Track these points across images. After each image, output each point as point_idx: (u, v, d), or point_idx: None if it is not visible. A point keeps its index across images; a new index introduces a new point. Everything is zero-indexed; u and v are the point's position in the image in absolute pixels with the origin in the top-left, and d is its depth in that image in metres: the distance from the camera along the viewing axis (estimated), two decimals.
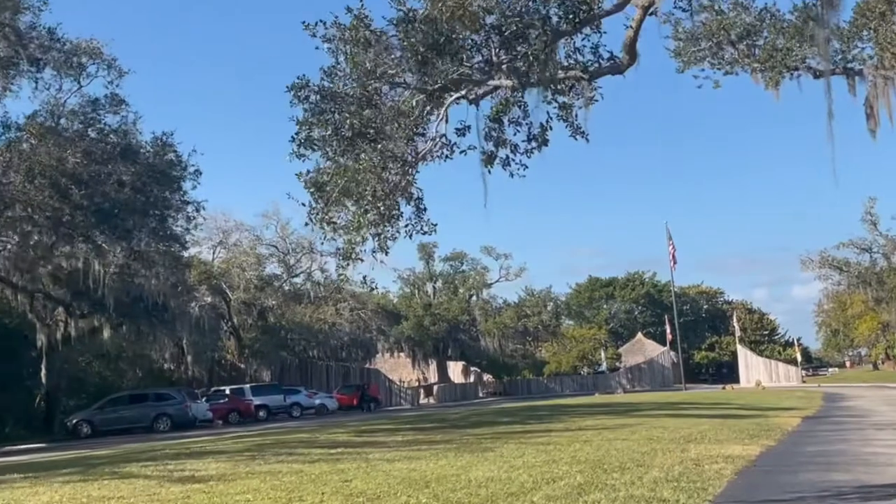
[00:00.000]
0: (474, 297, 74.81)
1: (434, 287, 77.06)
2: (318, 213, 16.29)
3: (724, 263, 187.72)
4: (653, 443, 18.33)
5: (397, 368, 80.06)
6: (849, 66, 21.69)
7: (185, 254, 45.23)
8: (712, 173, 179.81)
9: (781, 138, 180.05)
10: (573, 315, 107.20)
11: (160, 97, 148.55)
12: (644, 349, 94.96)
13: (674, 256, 68.42)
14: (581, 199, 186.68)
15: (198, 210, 37.53)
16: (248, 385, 51.57)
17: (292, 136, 15.95)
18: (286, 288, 63.67)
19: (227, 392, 50.04)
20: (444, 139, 14.96)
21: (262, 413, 49.73)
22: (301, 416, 52.19)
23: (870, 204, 64.85)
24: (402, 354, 77.44)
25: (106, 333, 38.89)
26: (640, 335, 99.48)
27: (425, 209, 15.82)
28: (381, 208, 14.27)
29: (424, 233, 16.55)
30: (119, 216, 31.25)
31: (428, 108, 14.14)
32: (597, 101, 15.45)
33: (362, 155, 14.05)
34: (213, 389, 51.04)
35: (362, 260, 16.84)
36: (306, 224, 17.15)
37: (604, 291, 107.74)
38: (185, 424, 41.38)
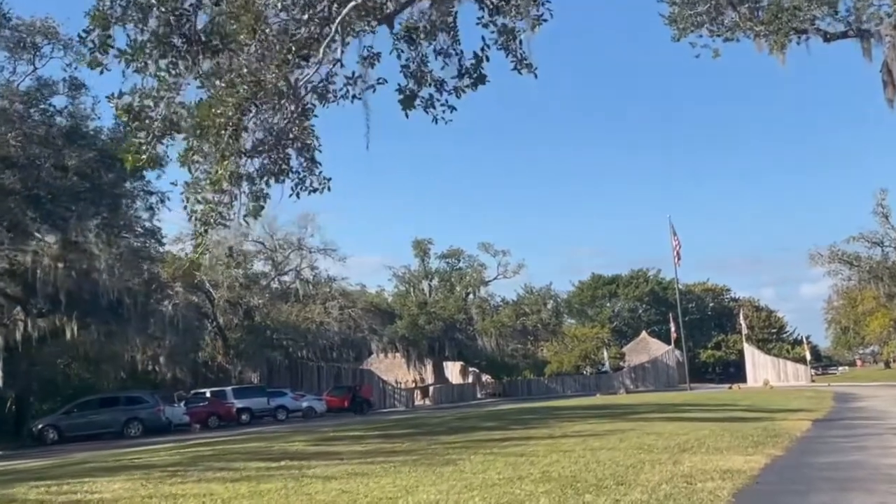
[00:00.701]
0: (471, 296, 72.39)
1: (430, 285, 74.71)
2: (137, 150, 13.03)
3: (731, 263, 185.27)
4: (642, 453, 16.01)
5: (393, 369, 77.79)
6: (863, 26, 19.30)
7: (161, 249, 42.94)
8: (716, 172, 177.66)
9: (784, 136, 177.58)
10: (575, 314, 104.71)
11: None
12: (648, 348, 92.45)
13: (678, 252, 65.93)
14: (583, 199, 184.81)
15: (162, 201, 35.24)
16: (230, 387, 49.27)
17: (81, 33, 12.47)
18: (274, 286, 61.52)
19: (208, 395, 47.80)
20: (339, 66, 12.00)
21: (244, 416, 47.49)
22: (287, 420, 50.01)
23: (881, 196, 62.39)
24: (397, 355, 75.11)
25: (68, 333, 36.50)
26: (644, 334, 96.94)
27: (319, 163, 12.80)
28: (265, 160, 11.57)
29: (314, 190, 13.47)
30: (57, 203, 28.89)
31: (312, 19, 11.17)
32: (545, 20, 12.47)
33: (216, 80, 11.26)
34: (192, 392, 48.79)
35: (226, 226, 13.81)
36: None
37: (607, 289, 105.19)
38: (159, 429, 39.24)
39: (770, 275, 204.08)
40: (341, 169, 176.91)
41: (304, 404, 53.17)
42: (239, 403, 47.63)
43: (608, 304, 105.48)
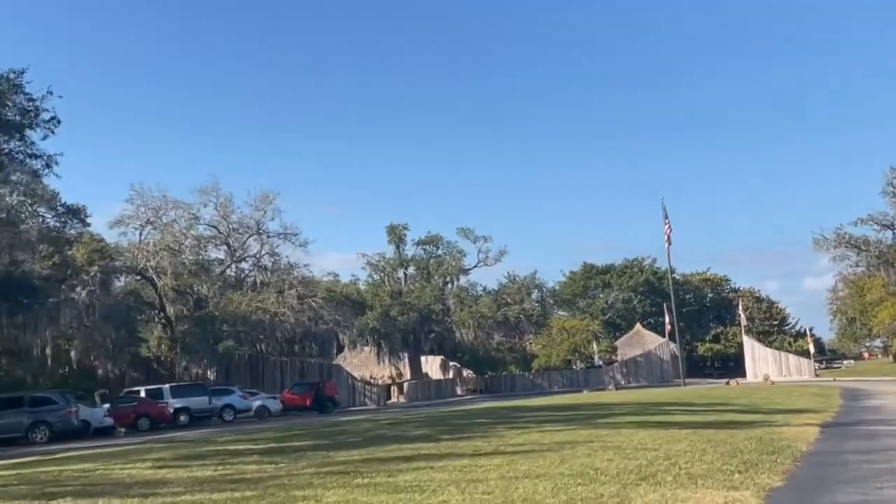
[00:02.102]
0: (449, 285, 67.21)
1: (405, 274, 69.57)
2: None
3: (733, 257, 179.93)
4: (579, 484, 11.09)
5: (368, 364, 72.71)
6: None
7: (84, 229, 37.93)
8: (719, 165, 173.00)
9: (787, 129, 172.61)
10: (566, 305, 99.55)
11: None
12: (643, 341, 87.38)
13: (669, 236, 60.81)
14: (584, 190, 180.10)
15: (49, 165, 30.21)
16: (167, 385, 44.22)
17: None
18: (230, 273, 56.56)
19: (142, 394, 42.84)
20: None
21: (182, 418, 42.51)
22: (235, 421, 45.08)
23: (891, 174, 57.14)
24: (373, 349, 69.91)
25: None
26: (638, 326, 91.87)
27: None
28: None
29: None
30: None
31: None
32: None
33: None
34: (125, 390, 43.84)
35: None
36: None
37: (600, 279, 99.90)
38: (71, 433, 34.34)
39: (773, 268, 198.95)
40: (337, 169, 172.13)
41: (257, 403, 48.20)
42: (177, 403, 42.62)
43: (601, 296, 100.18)
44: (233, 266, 57.47)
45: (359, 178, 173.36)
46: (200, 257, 54.89)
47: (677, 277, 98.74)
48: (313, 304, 52.60)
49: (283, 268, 55.50)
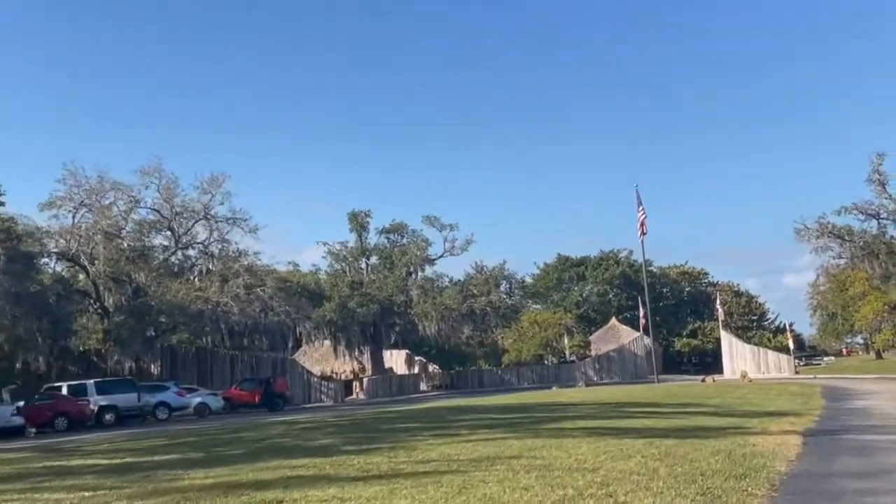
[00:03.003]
0: (413, 275, 63.57)
1: (367, 263, 65.93)
2: None
3: (713, 252, 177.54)
4: None
5: (329, 359, 69.19)
6: None
7: None
8: (702, 160, 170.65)
9: (769, 127, 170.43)
10: (539, 298, 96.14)
11: None
12: (619, 336, 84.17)
13: (643, 224, 57.49)
14: (565, 184, 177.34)
15: None
16: (91, 381, 40.46)
17: None
18: (175, 261, 52.79)
19: (64, 390, 39.13)
20: None
21: (108, 416, 38.88)
22: (170, 419, 41.49)
23: (878, 161, 53.97)
24: (353, 343, 65.83)
25: None
26: (613, 320, 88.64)
27: None
28: None
29: None
30: None
31: None
32: None
33: None
34: (45, 387, 40.07)
35: None
36: None
37: (574, 272, 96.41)
38: None
39: (753, 265, 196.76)
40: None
41: (196, 401, 44.56)
42: (102, 401, 38.97)
43: (575, 289, 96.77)
44: (179, 253, 53.62)
45: (346, 175, 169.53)
46: (143, 243, 51.08)
47: (654, 270, 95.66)
48: (261, 293, 48.91)
49: (231, 255, 51.68)
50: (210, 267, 51.68)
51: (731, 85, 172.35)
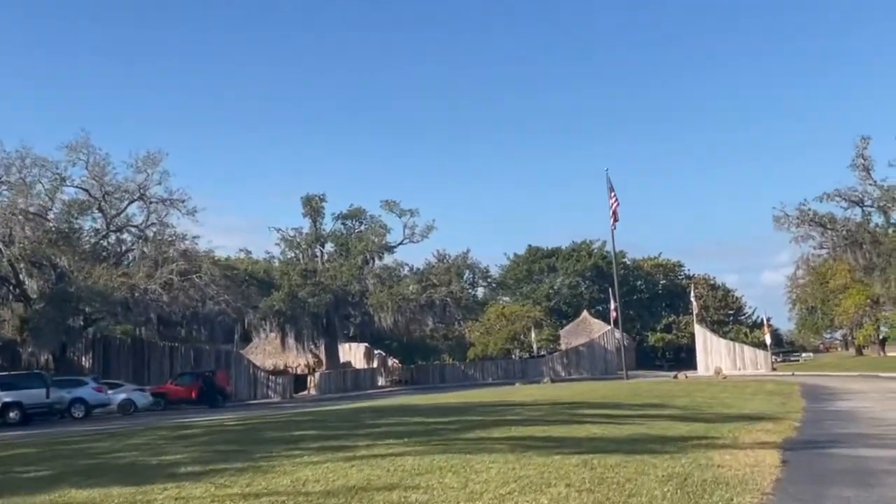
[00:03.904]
0: (369, 263, 59.66)
1: (322, 251, 61.99)
2: None
3: (691, 248, 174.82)
4: None
5: (282, 352, 65.23)
6: None
7: None
8: (680, 155, 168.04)
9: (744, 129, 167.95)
10: (509, 290, 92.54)
11: None
12: (590, 330, 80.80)
13: (615, 211, 53.86)
14: (540, 176, 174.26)
15: None
16: None
17: None
18: (108, 244, 48.71)
19: None
20: None
21: (13, 414, 34.92)
22: (89, 418, 37.56)
23: (862, 145, 50.63)
24: (303, 334, 61.84)
25: None
26: (585, 314, 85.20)
27: None
28: None
29: None
30: None
31: None
32: None
33: None
34: None
35: None
36: None
37: (545, 263, 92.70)
38: None
39: (732, 262, 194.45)
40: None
41: (120, 397, 40.67)
42: (6, 397, 35.02)
43: (546, 280, 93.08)
44: (112, 236, 49.50)
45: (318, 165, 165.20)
46: (71, 225, 46.98)
47: (627, 262, 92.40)
48: (197, 280, 44.92)
49: (167, 239, 47.63)
50: (145, 251, 47.64)
51: (715, 78, 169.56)
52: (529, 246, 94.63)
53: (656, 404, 26.78)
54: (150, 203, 47.94)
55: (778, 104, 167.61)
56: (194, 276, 44.90)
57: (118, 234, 49.40)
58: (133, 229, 49.34)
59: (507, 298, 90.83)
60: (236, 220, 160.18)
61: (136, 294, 42.26)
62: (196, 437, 17.70)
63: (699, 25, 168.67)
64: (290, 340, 58.03)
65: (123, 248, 49.77)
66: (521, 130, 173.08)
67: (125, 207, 48.35)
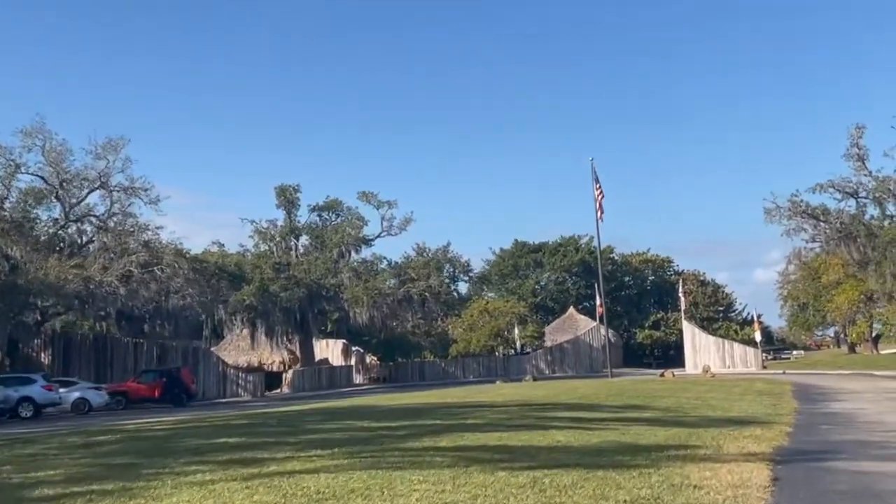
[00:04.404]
0: (345, 256, 57.34)
1: (296, 243, 59.67)
2: None
3: (684, 246, 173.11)
4: None
5: (257, 348, 62.90)
6: None
7: None
8: (672, 155, 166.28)
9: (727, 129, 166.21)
10: (493, 285, 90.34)
11: None
12: (576, 326, 78.70)
13: (600, 204, 51.69)
14: (528, 173, 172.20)
15: None
16: None
17: None
18: (66, 234, 46.35)
19: None
20: None
21: None
22: (38, 418, 35.32)
23: (857, 133, 48.57)
24: (276, 330, 59.41)
25: None
26: (571, 310, 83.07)
27: None
28: None
29: None
30: None
31: None
32: None
33: None
34: None
35: None
36: None
37: (531, 258, 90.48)
38: None
39: (724, 259, 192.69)
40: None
41: (74, 396, 38.42)
42: None
43: (532, 276, 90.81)
44: (73, 227, 47.11)
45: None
46: (27, 214, 44.62)
47: (615, 258, 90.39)
48: (159, 273, 42.63)
49: (127, 229, 45.28)
50: (105, 241, 45.28)
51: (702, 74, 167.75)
52: (516, 240, 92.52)
53: (636, 405, 24.70)
54: (112, 192, 45.59)
55: (771, 101, 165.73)
56: (155, 268, 42.59)
57: (78, 224, 47.00)
58: (93, 219, 46.96)
59: (492, 294, 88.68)
60: (222, 216, 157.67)
61: (92, 287, 39.93)
62: (104, 446, 15.47)
63: (691, 22, 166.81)
64: (262, 336, 55.75)
65: (84, 238, 47.39)
66: (511, 126, 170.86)
67: (85, 196, 46.01)
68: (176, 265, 45.81)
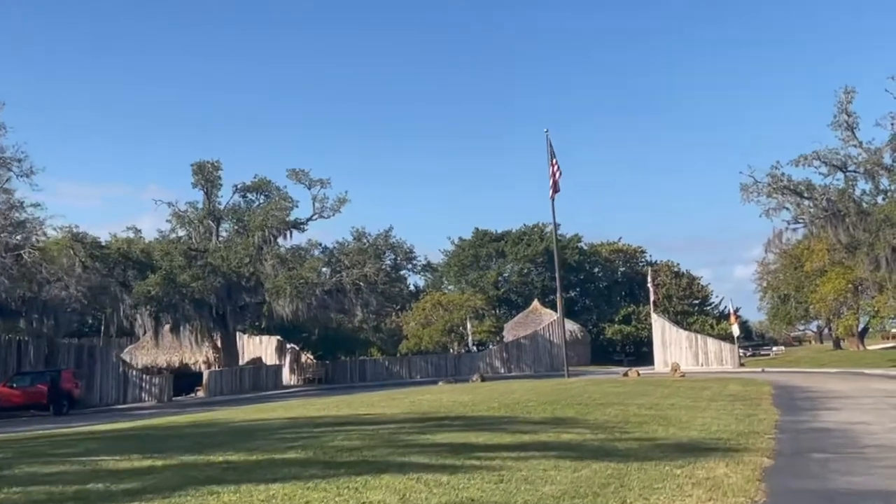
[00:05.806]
0: (270, 242, 50.73)
1: (216, 227, 52.98)
2: None
3: (663, 242, 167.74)
4: None
5: (177, 347, 56.15)
6: None
7: None
8: (658, 150, 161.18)
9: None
10: (452, 277, 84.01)
11: None
12: (540, 320, 72.49)
13: (556, 181, 45.11)
14: (494, 167, 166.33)
15: None
16: None
17: None
18: None
19: None
20: None
21: None
22: None
23: (846, 99, 42.37)
24: (187, 326, 52.79)
25: None
26: (536, 303, 76.84)
27: None
28: None
29: None
30: None
31: None
32: None
33: None
34: None
35: None
36: None
37: (492, 248, 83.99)
38: None
39: (707, 256, 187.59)
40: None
41: None
42: None
43: (494, 267, 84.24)
44: None
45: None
46: None
47: (584, 247, 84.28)
48: (27, 257, 35.98)
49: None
50: None
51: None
52: (476, 229, 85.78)
53: (565, 419, 18.48)
54: None
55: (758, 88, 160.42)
56: (22, 252, 35.92)
57: None
58: None
59: (451, 287, 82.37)
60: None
61: None
62: None
63: (679, 14, 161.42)
64: (168, 332, 49.15)
65: None
66: (486, 116, 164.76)
67: None
68: (72, 251, 39.20)
